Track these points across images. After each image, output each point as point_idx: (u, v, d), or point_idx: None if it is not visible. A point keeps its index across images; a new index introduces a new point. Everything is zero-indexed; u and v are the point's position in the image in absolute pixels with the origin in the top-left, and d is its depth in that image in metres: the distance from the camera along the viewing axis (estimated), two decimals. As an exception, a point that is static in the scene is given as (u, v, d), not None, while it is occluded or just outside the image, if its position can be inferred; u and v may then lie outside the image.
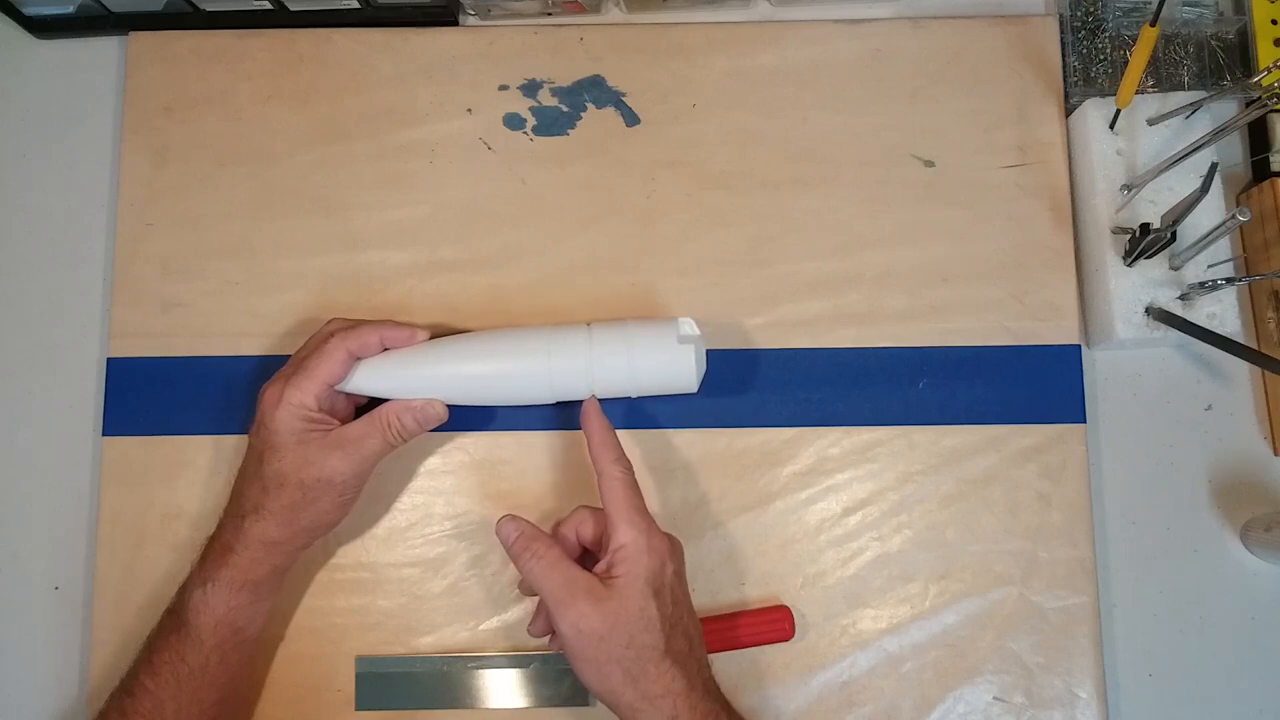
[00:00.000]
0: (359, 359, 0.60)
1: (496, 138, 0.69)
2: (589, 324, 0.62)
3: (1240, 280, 0.63)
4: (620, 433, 0.65)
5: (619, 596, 0.54)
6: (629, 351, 0.60)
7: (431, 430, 0.65)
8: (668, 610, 0.55)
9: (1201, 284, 0.64)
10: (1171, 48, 0.70)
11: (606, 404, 0.62)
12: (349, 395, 0.62)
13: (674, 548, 0.57)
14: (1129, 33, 0.70)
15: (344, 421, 0.59)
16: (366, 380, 0.60)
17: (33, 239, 0.70)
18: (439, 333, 0.64)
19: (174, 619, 0.58)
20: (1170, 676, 0.65)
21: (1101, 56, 0.70)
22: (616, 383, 0.61)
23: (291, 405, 0.57)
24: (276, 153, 0.69)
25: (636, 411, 0.66)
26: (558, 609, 0.54)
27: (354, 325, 0.60)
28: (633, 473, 0.57)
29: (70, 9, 0.70)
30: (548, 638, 0.60)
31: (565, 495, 0.65)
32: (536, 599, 0.61)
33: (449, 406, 0.61)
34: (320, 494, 0.57)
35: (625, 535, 0.55)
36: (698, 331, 0.62)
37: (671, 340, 0.61)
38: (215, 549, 0.58)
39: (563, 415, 0.65)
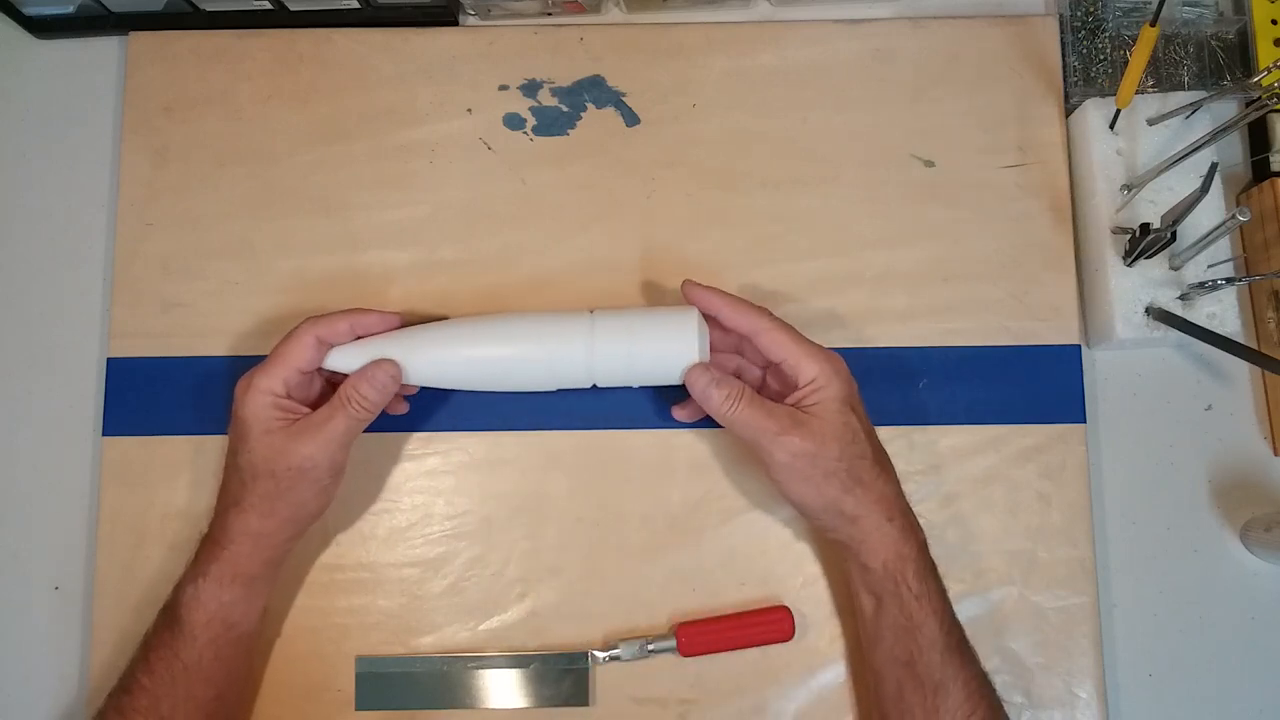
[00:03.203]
0: (329, 345, 0.59)
1: (496, 138, 0.69)
2: (591, 311, 0.61)
3: (1240, 280, 0.63)
4: (620, 433, 0.65)
5: (819, 420, 0.57)
6: (630, 335, 0.59)
7: (431, 430, 0.65)
8: (866, 424, 0.59)
9: (1201, 284, 0.64)
10: (1171, 48, 0.70)
11: (608, 394, 0.62)
12: (330, 383, 0.61)
13: (847, 369, 0.59)
14: (1129, 33, 0.70)
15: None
16: (359, 360, 0.59)
17: (33, 239, 0.70)
18: (418, 320, 0.63)
19: (168, 616, 0.58)
20: (1170, 676, 0.65)
21: (1101, 56, 0.70)
22: (617, 363, 0.60)
23: (259, 392, 0.57)
24: (276, 153, 0.69)
25: (637, 411, 0.66)
26: (767, 439, 0.56)
27: (325, 314, 0.60)
28: (775, 316, 0.59)
29: (70, 9, 0.70)
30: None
31: (566, 495, 0.65)
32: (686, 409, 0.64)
33: (450, 391, 0.60)
34: (294, 482, 0.57)
35: (811, 369, 0.57)
36: (700, 321, 0.61)
37: (674, 322, 0.60)
38: (205, 545, 0.58)
39: (563, 415, 0.65)
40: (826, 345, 0.65)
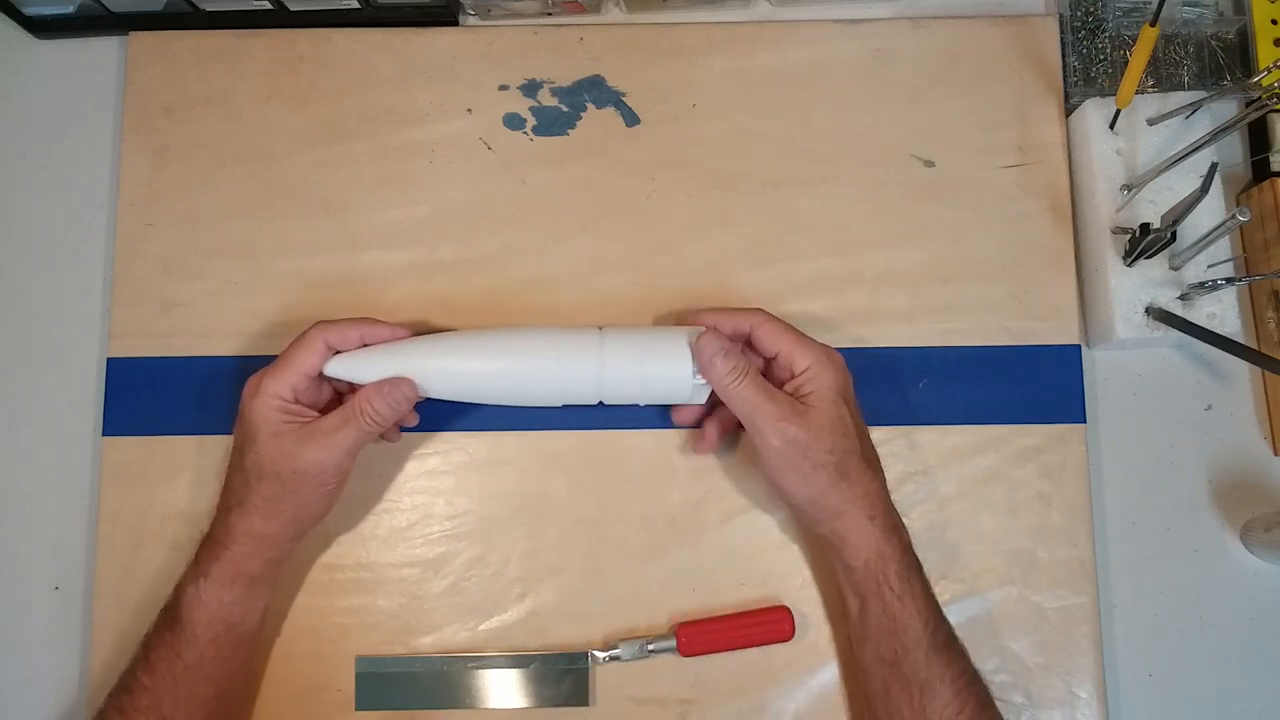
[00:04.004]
0: (337, 352, 0.59)
1: (496, 138, 0.69)
2: (600, 329, 0.61)
3: (1240, 280, 0.63)
4: (620, 433, 0.65)
5: (815, 410, 0.57)
6: (640, 354, 0.59)
7: (431, 430, 0.65)
8: (857, 418, 0.59)
9: (1201, 284, 0.64)
10: (1171, 48, 0.70)
11: (610, 407, 0.62)
12: (335, 389, 0.61)
13: (844, 365, 0.60)
14: (1129, 33, 0.70)
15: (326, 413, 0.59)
16: (363, 368, 0.59)
17: (33, 239, 0.70)
18: (427, 332, 0.63)
19: (169, 616, 0.58)
20: (1170, 676, 0.65)
21: (1101, 56, 0.70)
22: (626, 382, 0.60)
23: (267, 395, 0.57)
24: (276, 153, 0.69)
25: (637, 412, 0.66)
26: (765, 423, 0.57)
27: (336, 320, 0.60)
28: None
29: (70, 9, 0.70)
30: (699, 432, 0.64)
31: (566, 495, 0.65)
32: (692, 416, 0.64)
33: (451, 403, 0.61)
34: (298, 485, 0.57)
35: (806, 359, 0.58)
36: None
37: (684, 353, 0.59)
38: (207, 544, 0.58)
39: (563, 415, 0.65)
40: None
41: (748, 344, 0.61)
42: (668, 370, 0.59)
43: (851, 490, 0.57)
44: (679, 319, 0.66)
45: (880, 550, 0.57)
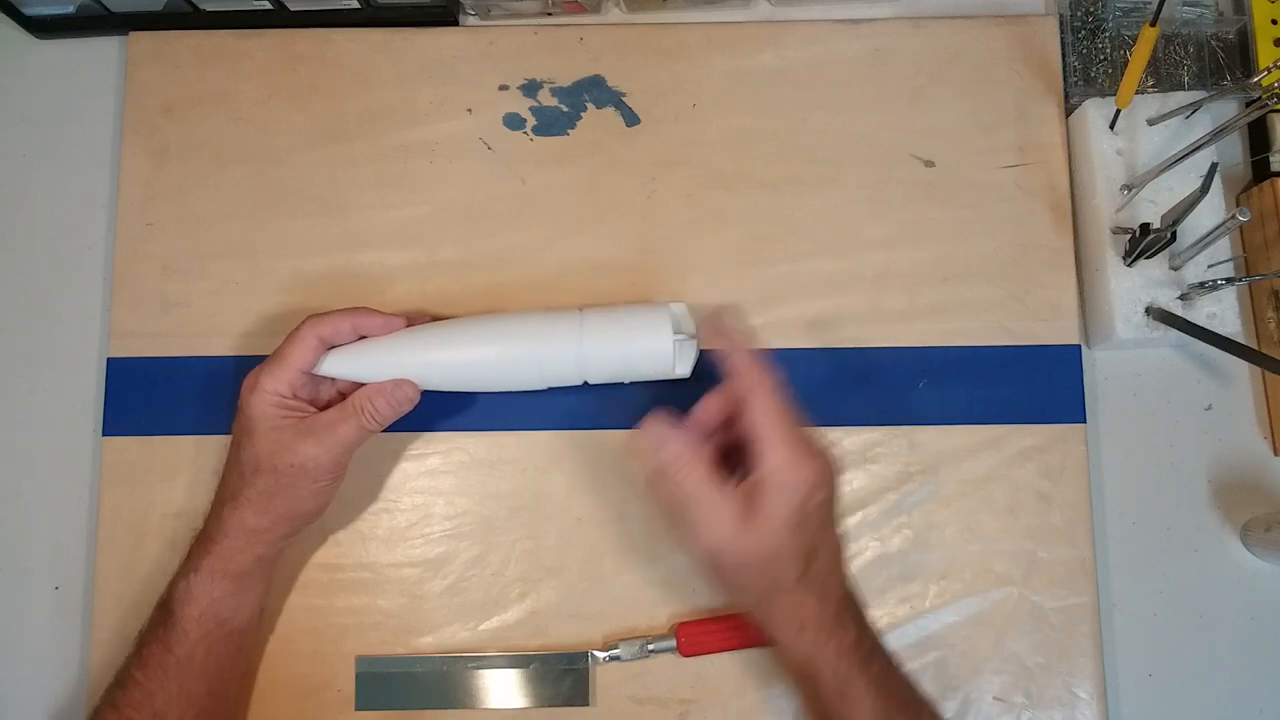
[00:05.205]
0: (331, 345, 0.60)
1: (496, 138, 0.69)
2: (580, 309, 0.61)
3: (1240, 280, 0.63)
4: (620, 432, 0.65)
5: (758, 533, 0.52)
6: (621, 331, 0.60)
7: (431, 430, 0.65)
8: (807, 541, 0.53)
9: (1201, 284, 0.64)
10: (1171, 48, 0.70)
11: (607, 394, 0.62)
12: (335, 384, 0.61)
13: (823, 476, 0.54)
14: (1129, 33, 0.70)
15: (326, 409, 0.59)
16: (350, 365, 0.59)
17: (33, 239, 0.70)
18: (421, 319, 0.63)
19: (161, 611, 0.58)
20: (1170, 676, 0.65)
21: (1101, 56, 0.70)
22: (607, 360, 0.60)
23: (265, 391, 0.57)
24: (277, 152, 0.69)
25: (637, 411, 0.65)
26: (699, 526, 0.53)
27: (328, 312, 0.60)
28: (781, 391, 0.54)
29: (70, 9, 0.70)
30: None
31: (566, 495, 0.65)
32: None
33: (450, 391, 0.61)
34: (294, 480, 0.57)
35: (773, 460, 0.52)
36: (689, 318, 0.61)
37: (664, 326, 0.60)
38: (199, 540, 0.59)
39: (562, 415, 0.65)
40: (826, 345, 0.66)
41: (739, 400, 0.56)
42: (647, 344, 0.59)
43: (777, 610, 0.54)
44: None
45: (804, 671, 0.54)
